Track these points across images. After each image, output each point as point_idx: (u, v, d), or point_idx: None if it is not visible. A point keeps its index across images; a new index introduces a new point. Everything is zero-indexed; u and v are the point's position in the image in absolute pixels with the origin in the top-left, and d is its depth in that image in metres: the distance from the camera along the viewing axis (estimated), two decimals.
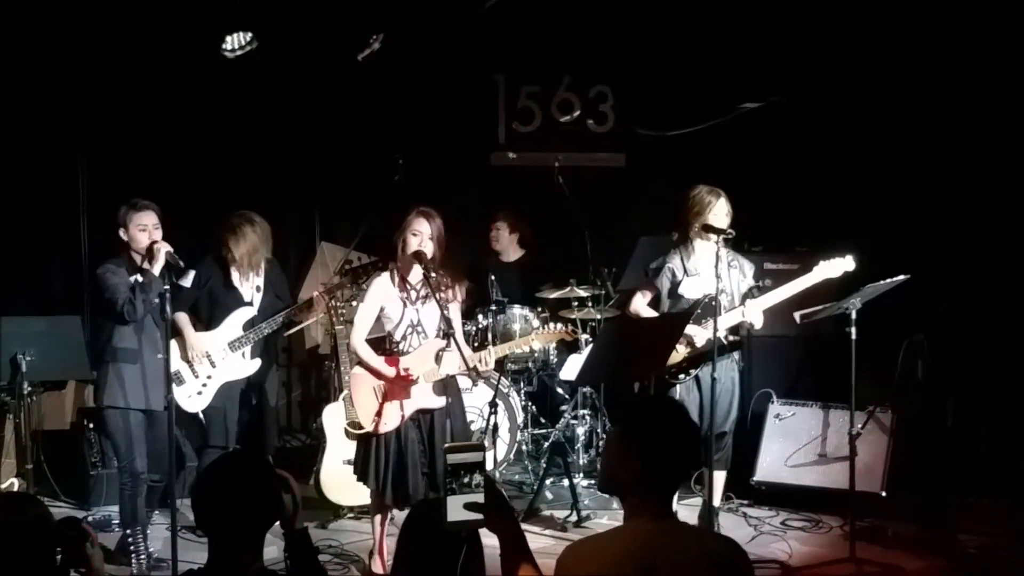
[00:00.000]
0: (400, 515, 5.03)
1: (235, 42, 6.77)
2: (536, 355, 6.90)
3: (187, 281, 5.54)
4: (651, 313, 5.66)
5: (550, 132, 8.23)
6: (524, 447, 7.13)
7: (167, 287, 4.91)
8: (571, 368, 6.68)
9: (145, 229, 5.18)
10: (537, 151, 8.07)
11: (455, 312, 5.19)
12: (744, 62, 7.25)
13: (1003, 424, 6.41)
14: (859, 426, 5.67)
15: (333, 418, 5.98)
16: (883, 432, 6.14)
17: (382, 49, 7.03)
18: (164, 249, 5.08)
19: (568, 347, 6.89)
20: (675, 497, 5.74)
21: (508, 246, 7.69)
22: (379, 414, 5.04)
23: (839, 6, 6.80)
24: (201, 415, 5.85)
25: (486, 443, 5.20)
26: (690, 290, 5.56)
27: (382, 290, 5.12)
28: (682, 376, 5.54)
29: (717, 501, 5.74)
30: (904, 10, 6.62)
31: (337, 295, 5.87)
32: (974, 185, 6.61)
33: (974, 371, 6.55)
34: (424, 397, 5.07)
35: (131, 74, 7.05)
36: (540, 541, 5.61)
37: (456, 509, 2.46)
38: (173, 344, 5.45)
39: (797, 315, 5.50)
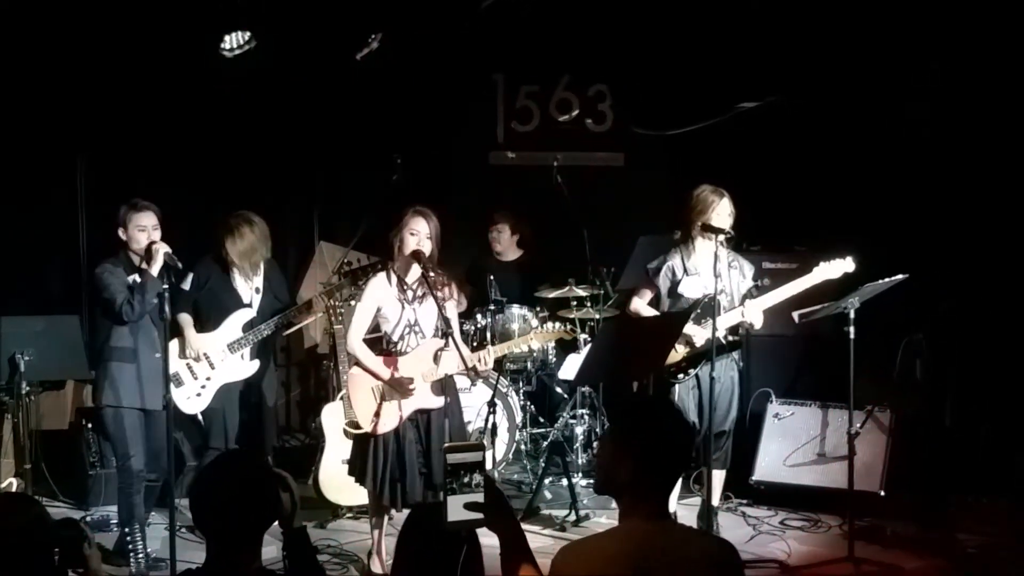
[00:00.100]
0: (400, 515, 5.03)
1: (234, 41, 6.76)
2: (535, 355, 6.91)
3: (186, 284, 5.55)
4: (651, 312, 5.66)
5: (549, 132, 8.21)
6: (523, 446, 7.13)
7: (165, 287, 4.90)
8: (570, 367, 6.68)
9: (144, 230, 5.19)
10: (536, 151, 8.05)
11: (452, 311, 5.19)
12: (743, 61, 7.25)
13: (1003, 424, 6.40)
14: (858, 425, 5.68)
15: (332, 418, 5.97)
16: (882, 431, 6.13)
17: (381, 48, 7.03)
18: (163, 250, 5.07)
19: (567, 347, 6.89)
20: (675, 497, 5.77)
21: (508, 247, 7.69)
22: (377, 414, 5.03)
23: (839, 6, 6.80)
24: (200, 416, 5.85)
25: (485, 443, 5.20)
26: (690, 289, 5.56)
27: (379, 290, 5.10)
28: (681, 376, 5.54)
29: (716, 500, 5.74)
30: (904, 10, 6.62)
31: (336, 295, 5.87)
32: (974, 185, 6.61)
33: (973, 371, 6.54)
34: (423, 397, 5.06)
35: (130, 74, 7.05)
36: (539, 540, 5.60)
37: (456, 509, 2.46)
38: (173, 345, 5.45)
39: (796, 314, 5.51)
